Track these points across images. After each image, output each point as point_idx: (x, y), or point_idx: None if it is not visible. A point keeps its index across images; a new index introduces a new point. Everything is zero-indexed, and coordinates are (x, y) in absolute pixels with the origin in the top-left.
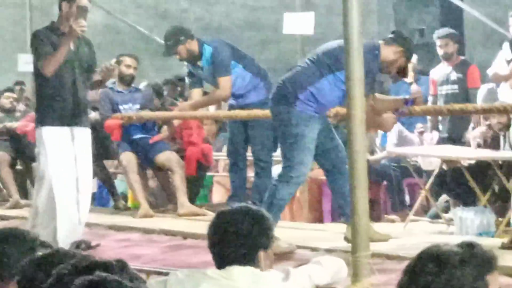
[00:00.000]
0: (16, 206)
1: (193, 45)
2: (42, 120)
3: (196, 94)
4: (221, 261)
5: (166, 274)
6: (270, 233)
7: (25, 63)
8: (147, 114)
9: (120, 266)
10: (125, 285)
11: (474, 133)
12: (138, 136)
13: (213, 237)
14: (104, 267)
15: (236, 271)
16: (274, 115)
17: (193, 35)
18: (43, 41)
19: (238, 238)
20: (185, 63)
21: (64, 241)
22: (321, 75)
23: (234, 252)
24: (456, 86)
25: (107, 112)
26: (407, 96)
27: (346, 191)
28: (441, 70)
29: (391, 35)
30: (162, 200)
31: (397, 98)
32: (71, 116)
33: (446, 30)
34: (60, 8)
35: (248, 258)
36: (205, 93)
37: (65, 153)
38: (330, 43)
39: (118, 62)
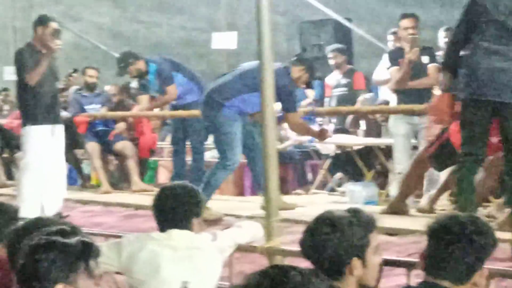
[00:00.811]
0: (3, 186)
1: (140, 65)
2: (29, 120)
3: (144, 99)
4: (163, 226)
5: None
6: (201, 204)
7: (9, 73)
8: (109, 113)
9: (73, 229)
10: (58, 242)
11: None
12: (100, 128)
13: (157, 207)
14: (63, 232)
15: (174, 233)
16: (205, 117)
17: (139, 57)
18: (26, 58)
19: (176, 207)
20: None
21: (50, 213)
22: (243, 92)
23: (173, 218)
24: (345, 89)
25: (77, 112)
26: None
27: (261, 171)
28: (334, 77)
29: (295, 58)
30: (119, 180)
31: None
32: (52, 115)
33: (334, 46)
34: (34, 31)
35: (184, 223)
36: (151, 97)
37: (49, 146)
38: (252, 64)
39: (83, 73)
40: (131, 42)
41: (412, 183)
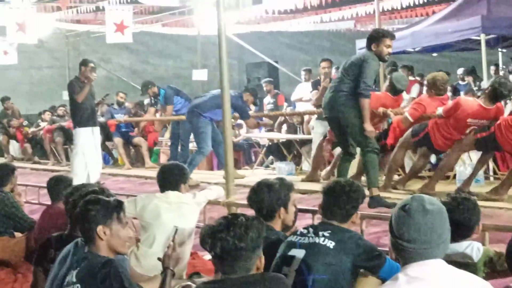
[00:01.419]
0: (62, 165)
1: (154, 89)
2: (77, 124)
3: (151, 111)
4: (162, 189)
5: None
6: (187, 175)
7: (66, 95)
8: (129, 119)
9: (101, 190)
10: (102, 199)
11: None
12: (124, 129)
13: (159, 177)
14: (95, 191)
15: (170, 193)
16: (189, 122)
17: (154, 84)
18: (75, 86)
19: (170, 177)
20: (152, 97)
21: (93, 181)
22: (213, 108)
23: (168, 184)
24: (272, 105)
25: (109, 118)
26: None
27: (223, 154)
28: (267, 98)
29: (245, 89)
30: (136, 161)
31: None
32: (92, 121)
33: (267, 79)
34: (80, 69)
35: (176, 187)
36: (156, 110)
37: (90, 140)
38: (218, 91)
39: (116, 95)
40: (142, 76)
41: (319, 161)
